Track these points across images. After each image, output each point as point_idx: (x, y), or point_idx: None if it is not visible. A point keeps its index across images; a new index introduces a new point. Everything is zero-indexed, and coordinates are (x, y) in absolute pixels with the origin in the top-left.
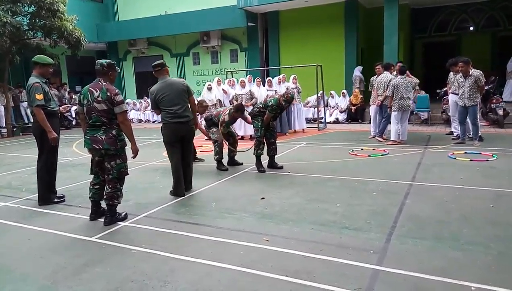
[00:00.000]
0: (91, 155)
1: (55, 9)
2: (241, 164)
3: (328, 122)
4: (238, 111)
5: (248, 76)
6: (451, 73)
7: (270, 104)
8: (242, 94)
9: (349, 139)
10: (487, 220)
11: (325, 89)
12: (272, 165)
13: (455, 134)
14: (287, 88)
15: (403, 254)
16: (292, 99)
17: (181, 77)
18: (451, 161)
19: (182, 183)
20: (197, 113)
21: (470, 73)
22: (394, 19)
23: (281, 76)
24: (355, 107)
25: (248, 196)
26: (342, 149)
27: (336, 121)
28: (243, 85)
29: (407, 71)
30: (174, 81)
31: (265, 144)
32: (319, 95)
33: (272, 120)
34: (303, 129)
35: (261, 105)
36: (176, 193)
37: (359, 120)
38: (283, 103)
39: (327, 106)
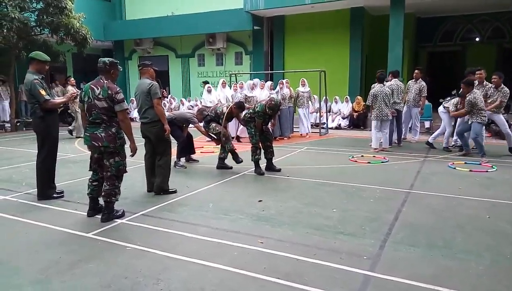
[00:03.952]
0: (90, 152)
1: (62, 6)
2: (231, 167)
3: (330, 128)
4: (238, 108)
5: (260, 82)
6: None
7: (256, 110)
8: (253, 96)
9: (350, 145)
10: (481, 230)
11: (328, 94)
12: (270, 167)
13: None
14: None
15: (396, 261)
16: (277, 106)
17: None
18: (451, 171)
19: (149, 178)
20: (196, 120)
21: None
22: (400, 27)
23: (284, 80)
24: (357, 113)
25: (246, 198)
26: (343, 155)
27: (338, 127)
28: (253, 88)
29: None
30: (142, 83)
31: (262, 148)
32: (322, 101)
33: (264, 124)
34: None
35: (251, 111)
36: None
37: (361, 127)
38: (267, 110)
39: (329, 112)
